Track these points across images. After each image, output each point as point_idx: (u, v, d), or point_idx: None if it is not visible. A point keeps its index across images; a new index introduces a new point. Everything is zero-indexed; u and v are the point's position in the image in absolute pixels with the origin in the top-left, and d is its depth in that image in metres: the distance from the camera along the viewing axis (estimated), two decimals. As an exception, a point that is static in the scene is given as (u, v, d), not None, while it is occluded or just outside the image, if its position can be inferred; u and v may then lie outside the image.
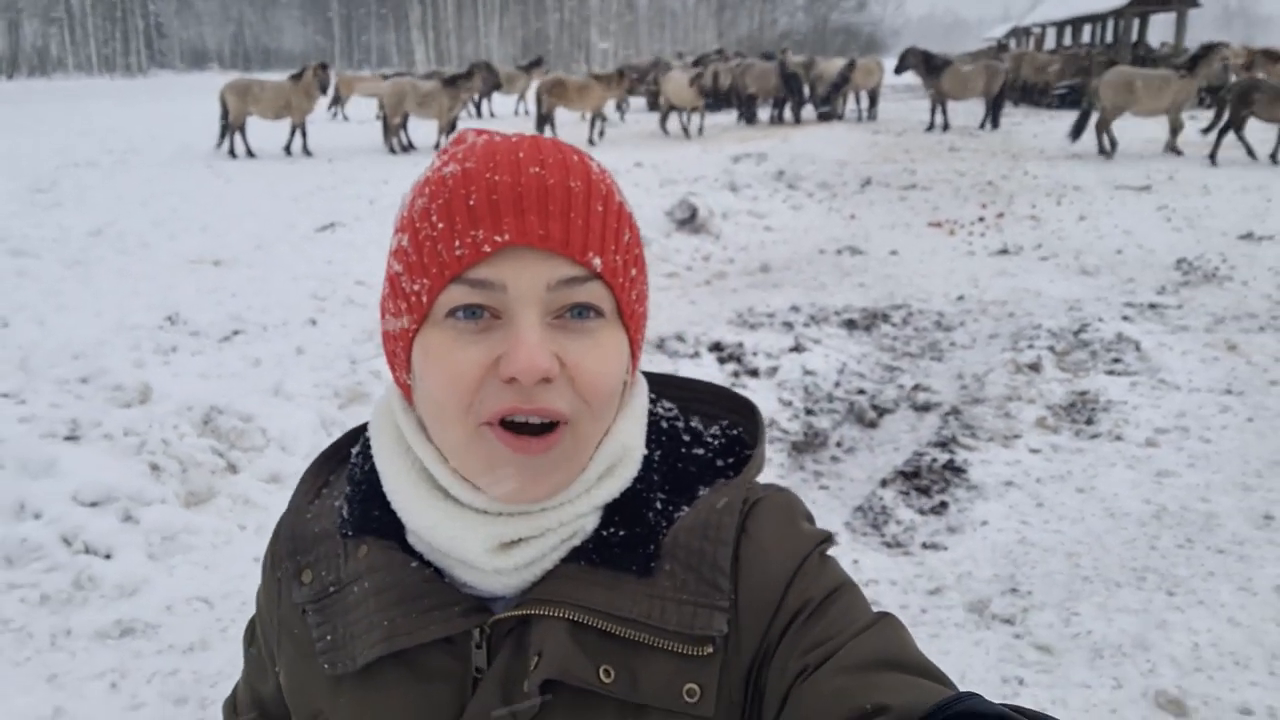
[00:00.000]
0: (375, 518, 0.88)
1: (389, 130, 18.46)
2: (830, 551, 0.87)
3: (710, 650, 0.79)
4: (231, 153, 17.48)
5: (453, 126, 18.67)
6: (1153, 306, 7.40)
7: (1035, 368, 6.08)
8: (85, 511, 3.65)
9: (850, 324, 7.29)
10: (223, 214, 11.60)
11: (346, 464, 0.96)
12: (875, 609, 0.81)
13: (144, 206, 12.00)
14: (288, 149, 18.00)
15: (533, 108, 24.01)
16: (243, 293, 7.95)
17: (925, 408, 5.61)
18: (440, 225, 0.77)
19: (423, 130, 20.84)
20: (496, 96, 28.38)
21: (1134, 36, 28.44)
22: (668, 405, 0.94)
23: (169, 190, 13.29)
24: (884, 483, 4.56)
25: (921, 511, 4.28)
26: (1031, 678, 3.09)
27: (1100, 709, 2.93)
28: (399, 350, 0.84)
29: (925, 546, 3.96)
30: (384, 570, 0.85)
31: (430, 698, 0.83)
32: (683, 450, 0.91)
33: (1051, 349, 6.39)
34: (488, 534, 0.81)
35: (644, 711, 0.79)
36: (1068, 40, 35.64)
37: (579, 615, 0.80)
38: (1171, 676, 3.05)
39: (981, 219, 11.32)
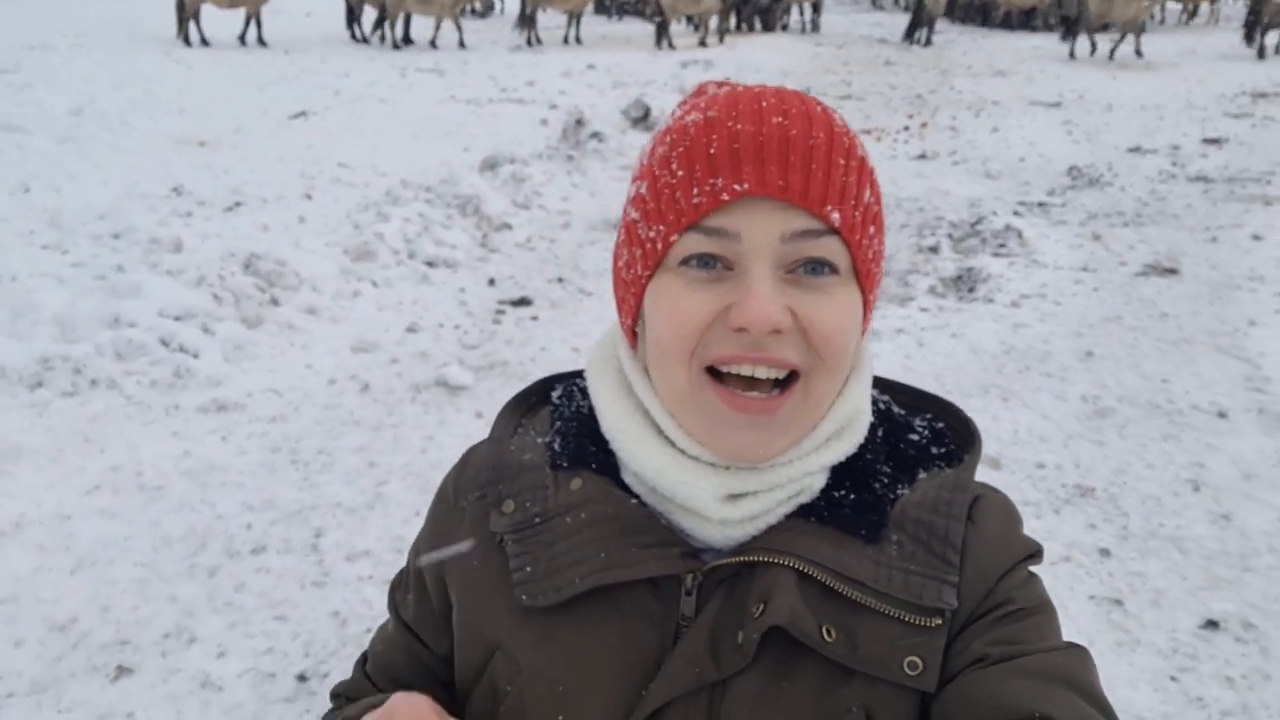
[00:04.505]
0: (591, 453, 0.88)
1: (391, 25, 18.72)
2: None
3: (939, 623, 0.79)
4: (186, 40, 17.66)
5: (456, 25, 19.03)
6: (1040, 205, 8.60)
7: (934, 250, 7.25)
8: (172, 323, 4.62)
9: (782, 213, 8.37)
10: (194, 99, 12.14)
11: (539, 408, 0.98)
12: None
13: (115, 90, 12.47)
14: (243, 39, 18.22)
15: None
16: (235, 170, 8.72)
17: (840, 278, 6.74)
18: (680, 173, 0.77)
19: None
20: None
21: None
22: (877, 393, 0.94)
23: (135, 74, 13.70)
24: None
25: (828, 348, 5.44)
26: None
27: (941, 465, 4.13)
28: (630, 296, 0.85)
29: (829, 371, 5.11)
30: (602, 502, 0.84)
31: (632, 638, 0.81)
32: (900, 432, 0.91)
33: (950, 236, 7.55)
34: (718, 484, 0.81)
35: (850, 677, 0.78)
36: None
37: (807, 568, 0.79)
38: (995, 448, 4.26)
39: (907, 128, 12.41)
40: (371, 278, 5.94)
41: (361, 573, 3.27)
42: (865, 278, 0.81)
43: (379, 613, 3.01)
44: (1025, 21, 28.32)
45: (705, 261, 0.77)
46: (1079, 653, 0.79)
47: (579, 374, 0.97)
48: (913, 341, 5.48)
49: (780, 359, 0.76)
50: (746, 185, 0.75)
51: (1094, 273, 6.71)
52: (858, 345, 0.84)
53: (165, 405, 4.24)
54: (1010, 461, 4.13)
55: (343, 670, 2.82)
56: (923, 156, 10.75)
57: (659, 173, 0.80)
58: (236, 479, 3.79)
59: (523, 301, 5.99)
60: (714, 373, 0.79)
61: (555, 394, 0.97)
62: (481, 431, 4.06)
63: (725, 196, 0.75)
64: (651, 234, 0.80)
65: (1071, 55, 19.10)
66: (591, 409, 0.90)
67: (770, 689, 0.78)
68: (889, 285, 6.47)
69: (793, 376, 0.78)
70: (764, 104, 0.78)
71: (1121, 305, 6.05)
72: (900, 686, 0.78)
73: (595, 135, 9.95)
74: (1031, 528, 3.45)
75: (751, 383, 0.78)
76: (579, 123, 10.08)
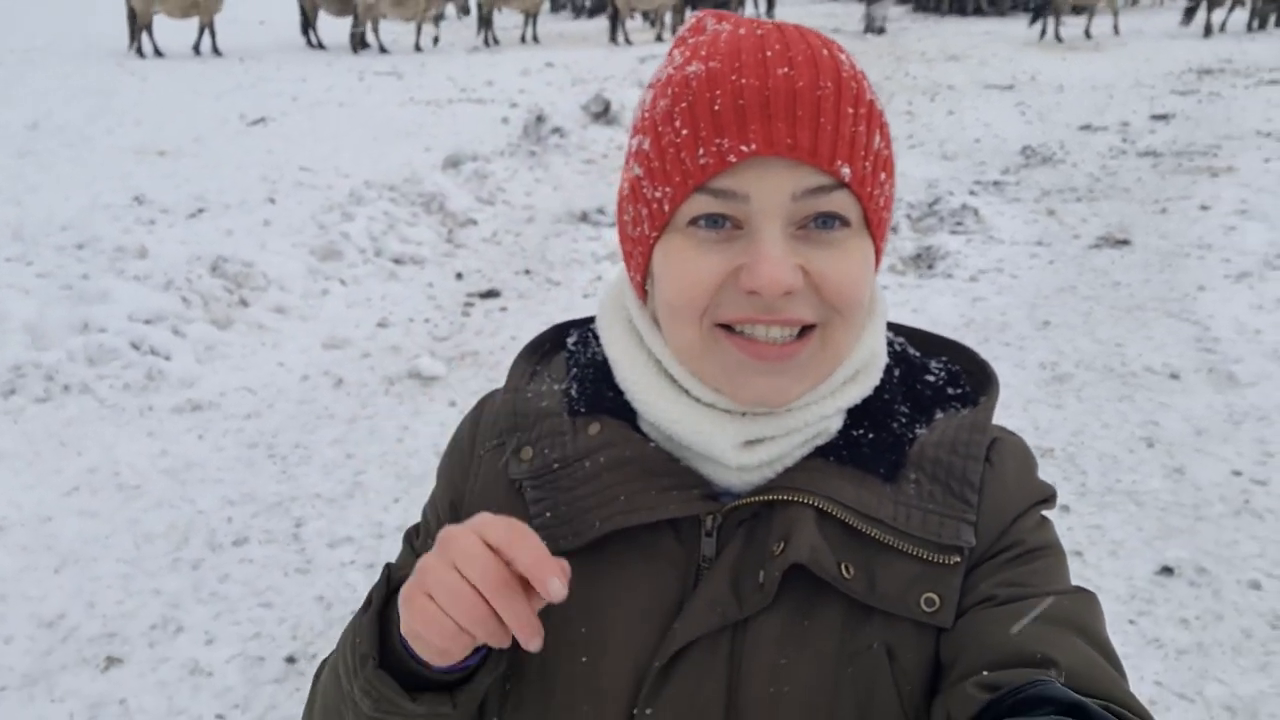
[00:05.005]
0: (609, 398, 0.87)
1: (364, 28, 18.67)
2: None
3: (957, 560, 0.79)
4: (139, 52, 17.50)
5: (418, 29, 19.00)
6: (996, 183, 8.77)
7: (894, 229, 7.38)
8: (143, 327, 4.65)
9: (744, 200, 8.50)
10: (151, 110, 12.07)
11: (552, 355, 0.97)
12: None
13: (71, 103, 12.37)
14: (196, 48, 18.08)
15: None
16: (196, 178, 8.70)
17: (802, 261, 6.87)
18: (684, 131, 0.75)
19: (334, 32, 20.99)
20: None
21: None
22: (892, 335, 0.94)
23: (89, 88, 13.60)
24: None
25: (793, 328, 5.56)
26: (862, 420, 4.40)
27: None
28: (637, 253, 0.84)
29: (795, 349, 5.23)
30: (621, 446, 0.84)
31: (653, 580, 0.82)
32: (916, 373, 0.91)
33: (909, 216, 7.70)
34: (735, 430, 0.81)
35: (870, 614, 0.79)
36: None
37: (827, 505, 0.79)
38: (956, 415, 4.38)
39: (863, 114, 12.57)
40: (339, 276, 5.98)
41: (344, 558, 3.32)
42: (876, 226, 0.80)
43: (363, 595, 3.08)
44: (977, 6, 28.67)
45: (714, 221, 0.76)
46: (1085, 597, 0.79)
47: (593, 319, 0.96)
48: (875, 318, 5.61)
49: (794, 318, 0.76)
50: (754, 146, 0.72)
51: (1049, 246, 6.87)
52: (872, 291, 0.84)
53: (139, 406, 4.28)
54: (972, 427, 4.26)
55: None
56: (880, 141, 10.91)
57: (662, 129, 0.77)
58: (215, 475, 3.84)
59: (491, 294, 6.05)
60: (725, 326, 0.78)
61: (571, 340, 0.96)
62: (454, 420, 4.12)
63: (732, 158, 0.73)
64: (658, 194, 0.78)
65: (1042, 36, 19.54)
66: (606, 357, 0.90)
67: (792, 628, 0.79)
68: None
69: (809, 327, 0.77)
70: (767, 52, 0.74)
71: (1076, 276, 6.22)
72: (919, 623, 0.79)
73: (556, 131, 10.02)
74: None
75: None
76: (540, 119, 10.14)
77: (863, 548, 0.79)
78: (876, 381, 0.85)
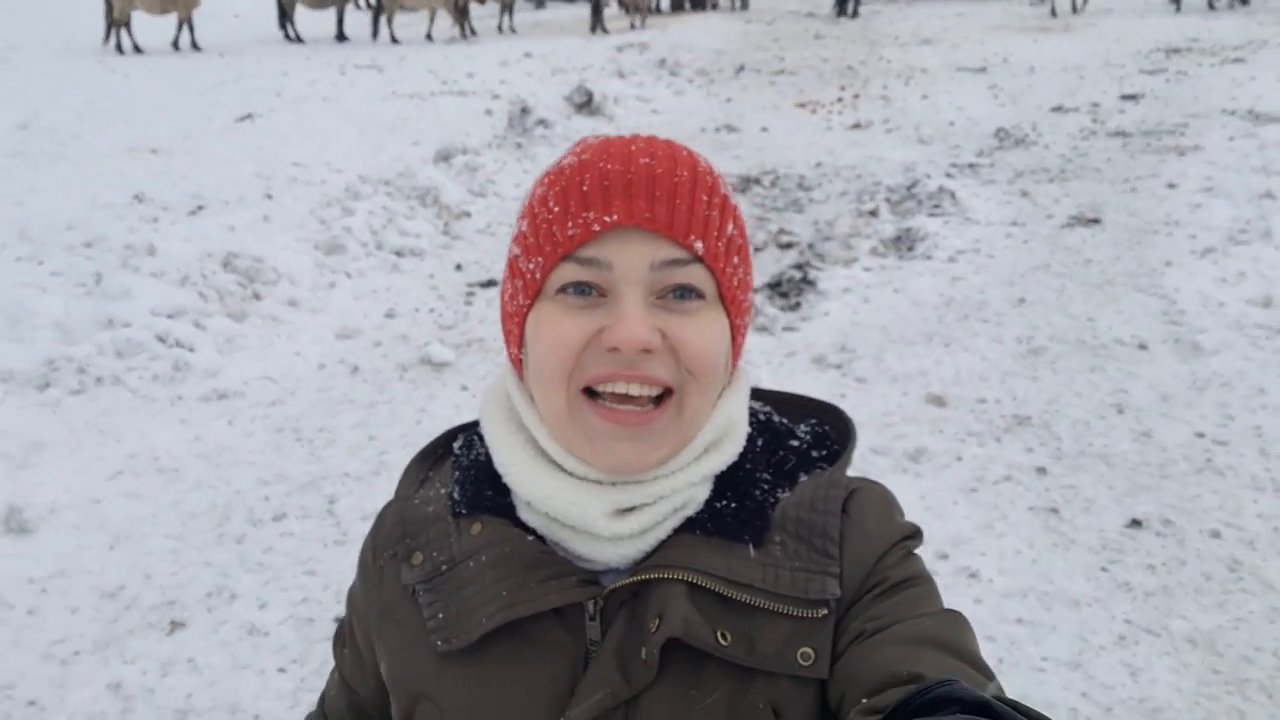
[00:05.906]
0: (488, 497, 0.92)
1: (379, 17, 18.83)
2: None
3: (825, 613, 0.84)
4: (119, 49, 17.52)
5: (432, 18, 19.09)
6: (971, 166, 9.08)
7: (874, 213, 7.67)
8: (166, 321, 4.87)
9: (728, 187, 8.75)
10: (138, 108, 12.17)
11: (444, 460, 1.04)
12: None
13: (57, 102, 12.45)
14: (176, 44, 18.12)
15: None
16: (191, 175, 8.85)
17: (787, 246, 7.13)
18: (555, 209, 0.84)
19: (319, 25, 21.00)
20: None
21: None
22: (760, 405, 1.00)
23: (74, 86, 13.67)
24: (754, 290, 6.08)
25: (782, 309, 5.83)
26: (850, 393, 4.68)
27: (893, 404, 4.53)
28: (514, 326, 0.90)
29: (784, 329, 5.50)
30: (500, 543, 0.89)
31: (544, 670, 0.85)
32: (781, 440, 0.97)
33: (887, 200, 7.99)
34: (606, 500, 0.86)
35: (754, 676, 0.83)
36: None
37: (697, 579, 0.84)
38: (939, 387, 4.68)
39: (840, 99, 12.85)
40: (345, 269, 6.20)
41: (377, 531, 3.58)
42: (731, 303, 0.87)
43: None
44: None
45: (581, 289, 0.83)
46: (952, 616, 0.84)
47: (478, 423, 1.02)
48: (859, 299, 5.89)
49: (652, 376, 0.82)
50: (616, 216, 0.81)
51: (1023, 226, 7.18)
52: (728, 364, 0.90)
53: (169, 396, 4.51)
54: (954, 399, 4.55)
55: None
56: (857, 126, 11.20)
57: (538, 210, 0.86)
58: (247, 458, 4.08)
59: (491, 283, 6.29)
60: (591, 393, 0.84)
61: (457, 445, 1.02)
62: (468, 403, 4.35)
63: (597, 227, 0.81)
64: (531, 265, 0.86)
65: (1053, 13, 21.03)
66: (488, 454, 0.94)
67: (681, 699, 0.83)
68: (834, 249, 6.88)
69: (667, 393, 0.84)
70: (633, 148, 0.85)
71: (1049, 255, 6.53)
72: (799, 678, 0.83)
73: (541, 122, 10.24)
74: (975, 454, 3.89)
75: (626, 400, 0.83)
76: (524, 111, 10.35)
77: (738, 613, 0.84)
78: (739, 449, 0.92)
